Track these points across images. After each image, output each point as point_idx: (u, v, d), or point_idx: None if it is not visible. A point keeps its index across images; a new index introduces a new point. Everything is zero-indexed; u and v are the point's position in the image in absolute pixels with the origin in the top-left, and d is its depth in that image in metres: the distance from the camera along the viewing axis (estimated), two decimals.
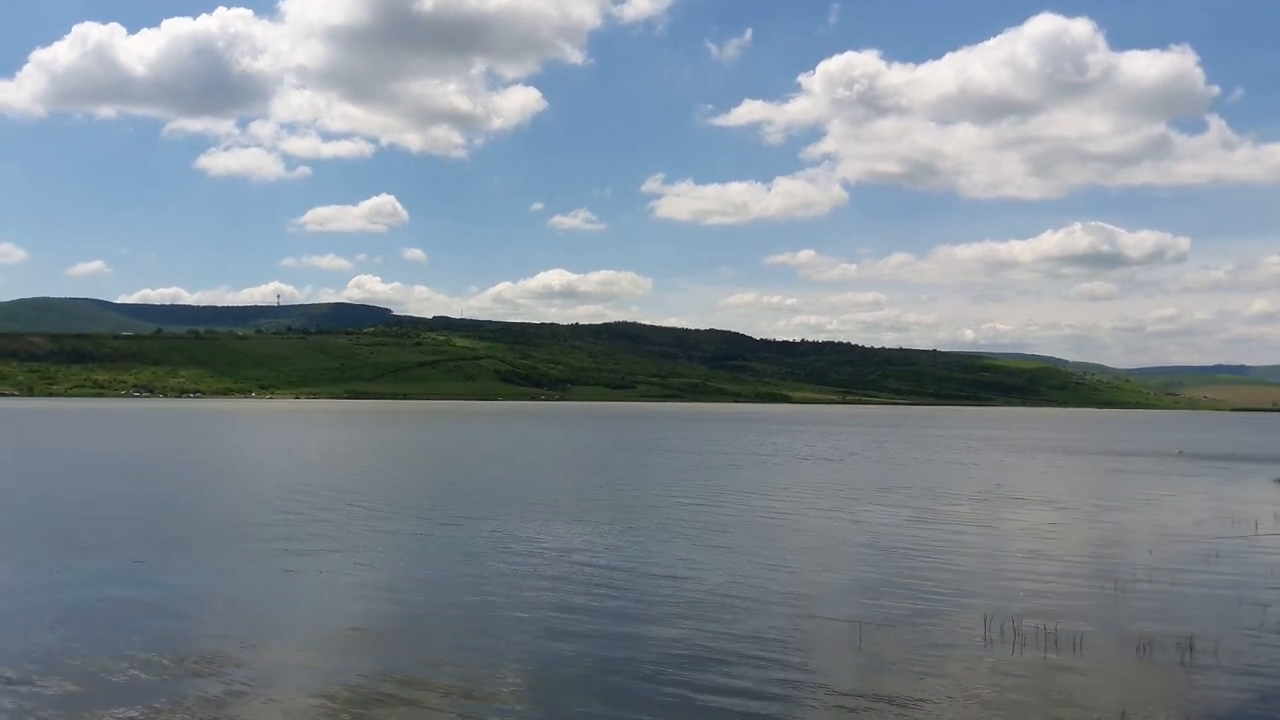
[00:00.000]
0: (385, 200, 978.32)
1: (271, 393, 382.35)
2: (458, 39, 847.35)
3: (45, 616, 16.01)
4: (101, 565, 20.57)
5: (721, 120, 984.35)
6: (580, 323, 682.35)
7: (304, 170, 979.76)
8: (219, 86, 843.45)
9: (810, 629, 15.88)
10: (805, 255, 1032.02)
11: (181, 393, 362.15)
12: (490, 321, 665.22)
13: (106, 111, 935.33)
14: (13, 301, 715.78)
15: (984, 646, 14.85)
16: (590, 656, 14.05)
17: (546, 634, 15.21)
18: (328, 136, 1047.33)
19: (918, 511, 31.81)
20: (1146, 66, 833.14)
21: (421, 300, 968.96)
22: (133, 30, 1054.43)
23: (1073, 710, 12.05)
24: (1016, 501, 36.16)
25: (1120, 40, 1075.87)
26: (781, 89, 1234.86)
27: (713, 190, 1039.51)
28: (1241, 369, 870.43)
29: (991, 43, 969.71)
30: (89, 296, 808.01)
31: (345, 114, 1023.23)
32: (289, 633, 15.49)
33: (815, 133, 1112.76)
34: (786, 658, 14.06)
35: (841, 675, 13.34)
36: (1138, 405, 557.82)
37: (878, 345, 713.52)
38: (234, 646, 14.28)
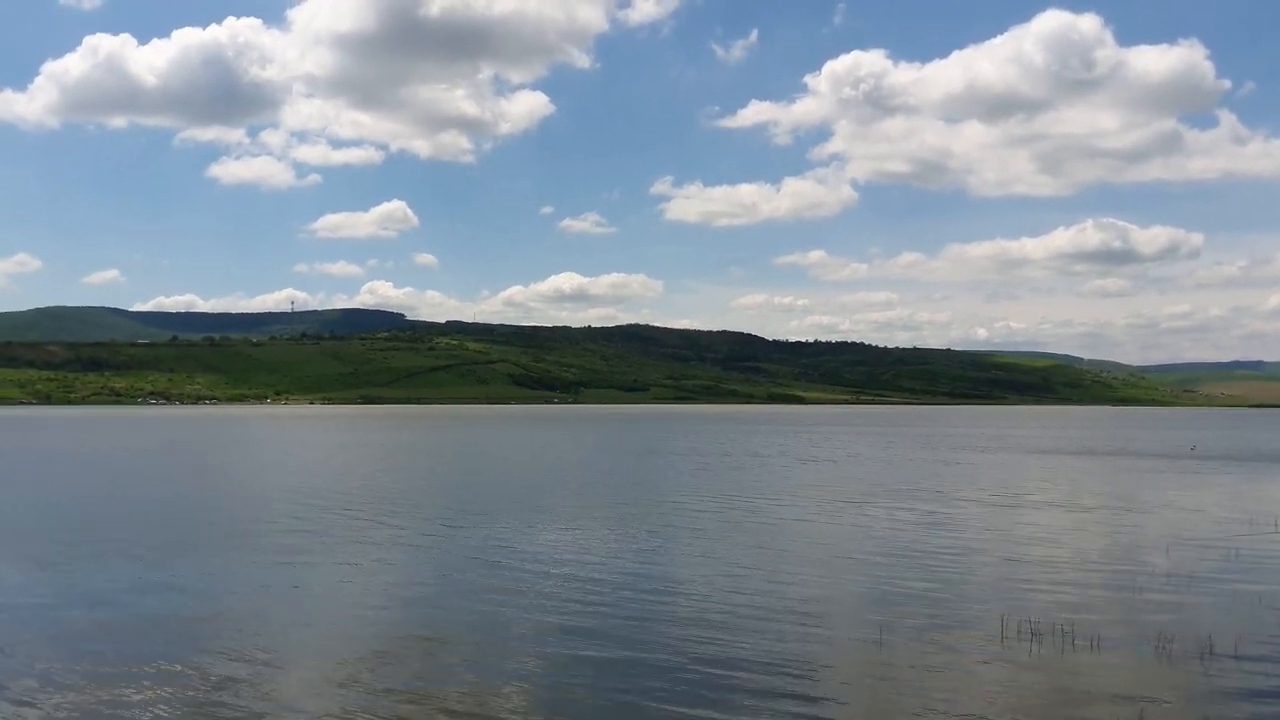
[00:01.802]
0: (396, 206, 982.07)
1: (285, 398, 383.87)
2: (464, 45, 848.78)
3: (53, 619, 16.19)
4: (109, 568, 20.74)
5: (729, 122, 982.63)
6: (592, 325, 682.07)
7: (314, 177, 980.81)
8: (229, 96, 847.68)
9: (828, 632, 15.90)
10: (816, 255, 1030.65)
11: (197, 399, 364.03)
12: (502, 325, 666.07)
13: (118, 122, 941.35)
14: (30, 310, 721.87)
15: (1001, 648, 14.86)
16: (599, 665, 14.09)
17: (555, 644, 15.25)
18: (337, 144, 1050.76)
19: (930, 514, 31.74)
20: (1155, 61, 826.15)
21: (434, 305, 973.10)
22: (143, 41, 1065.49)
23: (1091, 711, 12.07)
24: (1031, 502, 36.04)
25: (1128, 35, 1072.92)
26: (788, 90, 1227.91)
27: (721, 192, 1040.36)
28: (1258, 365, 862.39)
29: (998, 40, 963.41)
30: (105, 305, 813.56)
31: (354, 121, 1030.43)
32: (294, 638, 15.56)
33: (823, 133, 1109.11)
34: (806, 660, 14.10)
35: (862, 678, 13.38)
36: (1153, 403, 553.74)
37: (891, 345, 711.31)
38: (240, 653, 14.40)
